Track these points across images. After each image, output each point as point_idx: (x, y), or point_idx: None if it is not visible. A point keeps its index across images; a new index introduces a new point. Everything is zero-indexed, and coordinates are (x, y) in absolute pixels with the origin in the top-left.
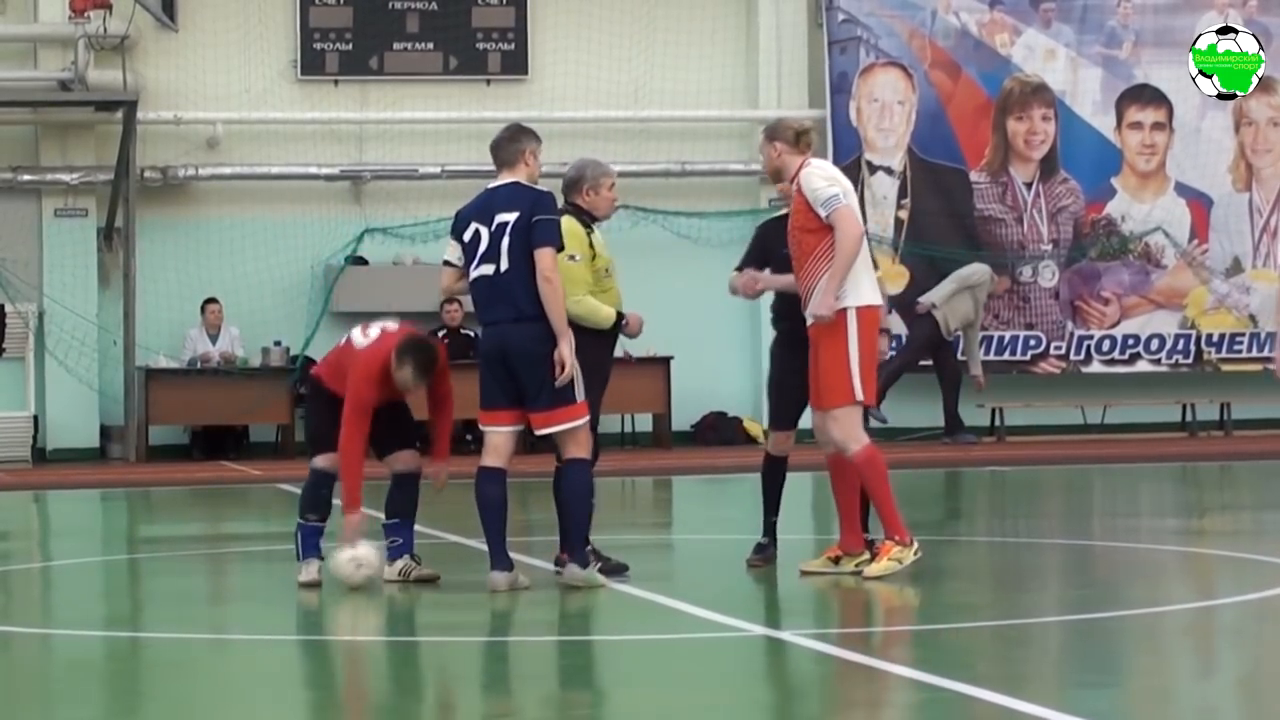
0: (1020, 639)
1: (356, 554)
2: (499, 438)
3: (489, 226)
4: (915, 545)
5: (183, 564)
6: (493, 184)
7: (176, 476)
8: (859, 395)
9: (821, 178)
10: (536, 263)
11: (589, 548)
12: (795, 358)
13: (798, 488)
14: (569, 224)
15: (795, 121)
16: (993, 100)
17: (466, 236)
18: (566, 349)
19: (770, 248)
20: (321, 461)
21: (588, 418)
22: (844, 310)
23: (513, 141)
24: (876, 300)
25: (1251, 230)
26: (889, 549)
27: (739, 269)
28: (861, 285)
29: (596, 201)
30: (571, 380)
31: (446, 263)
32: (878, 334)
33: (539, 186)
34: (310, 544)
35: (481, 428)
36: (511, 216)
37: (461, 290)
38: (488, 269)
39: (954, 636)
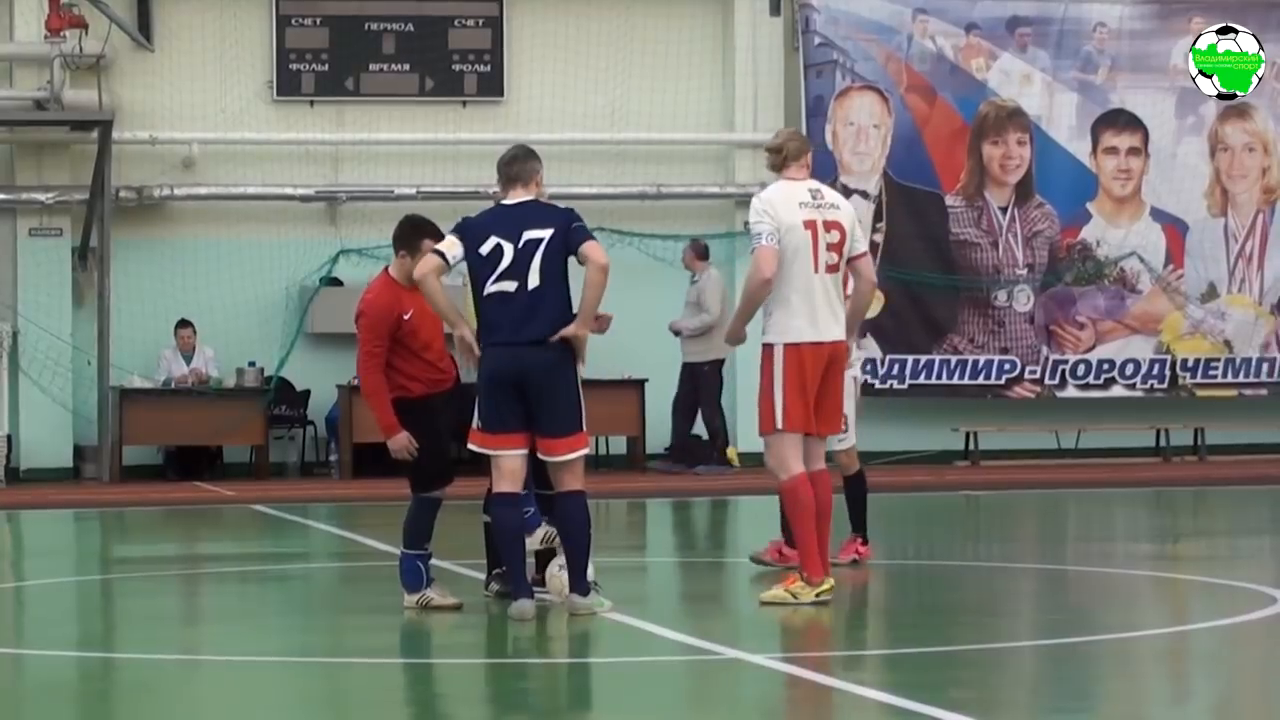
0: (994, 664)
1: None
2: (514, 462)
3: (515, 243)
4: (822, 588)
5: (156, 585)
6: (507, 200)
7: (150, 497)
8: (779, 424)
9: (757, 209)
10: (589, 255)
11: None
12: None
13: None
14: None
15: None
16: (968, 124)
17: (485, 250)
18: (583, 330)
19: None
20: (439, 492)
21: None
22: (772, 345)
23: (529, 159)
24: (810, 338)
25: (1227, 256)
26: (794, 580)
27: None
28: (794, 321)
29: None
30: (580, 410)
31: (438, 253)
32: (811, 368)
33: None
34: (426, 571)
35: (490, 452)
36: (545, 234)
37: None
38: (509, 285)
39: (927, 661)
